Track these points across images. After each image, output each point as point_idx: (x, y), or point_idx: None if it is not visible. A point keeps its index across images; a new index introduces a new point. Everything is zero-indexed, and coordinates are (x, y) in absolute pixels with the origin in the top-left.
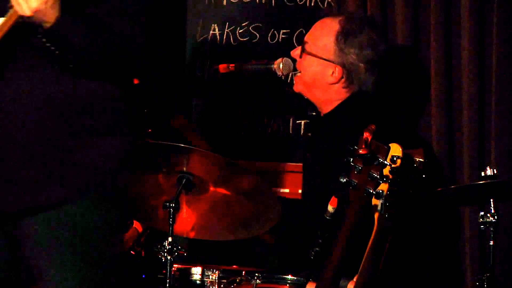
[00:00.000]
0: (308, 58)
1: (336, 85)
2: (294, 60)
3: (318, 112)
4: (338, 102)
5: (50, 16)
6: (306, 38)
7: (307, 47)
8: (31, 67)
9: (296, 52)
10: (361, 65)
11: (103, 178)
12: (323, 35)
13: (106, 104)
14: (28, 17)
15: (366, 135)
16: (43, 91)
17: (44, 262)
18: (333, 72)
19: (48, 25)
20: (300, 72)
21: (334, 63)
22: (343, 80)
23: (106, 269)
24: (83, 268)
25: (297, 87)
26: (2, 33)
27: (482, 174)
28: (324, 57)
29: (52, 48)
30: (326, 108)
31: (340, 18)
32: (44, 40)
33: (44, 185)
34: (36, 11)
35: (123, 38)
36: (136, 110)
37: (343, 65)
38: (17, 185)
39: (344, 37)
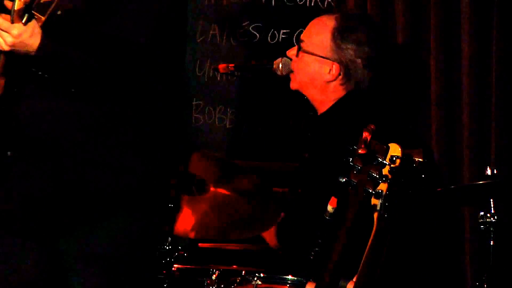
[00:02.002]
0: (305, 56)
1: (333, 82)
2: (291, 60)
3: (315, 112)
4: (334, 101)
5: (31, 45)
6: (302, 37)
7: (303, 45)
8: (44, 90)
9: (292, 52)
10: (359, 60)
11: (133, 192)
12: (319, 33)
13: (131, 119)
14: (11, 51)
15: (365, 134)
16: (62, 110)
17: (74, 271)
18: (330, 70)
19: (32, 53)
20: (295, 70)
21: (331, 60)
22: (340, 77)
23: (132, 279)
24: (108, 277)
25: (293, 85)
26: (1, 65)
27: (482, 174)
28: (321, 55)
29: (45, 75)
30: (322, 107)
31: (336, 15)
32: (33, 69)
33: (77, 201)
34: (13, 45)
35: (123, 47)
36: (170, 122)
37: (340, 62)
38: (54, 203)
39: (341, 33)
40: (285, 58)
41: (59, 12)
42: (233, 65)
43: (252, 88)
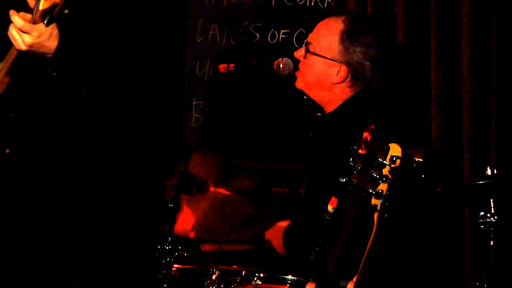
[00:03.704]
0: (312, 58)
1: (341, 84)
2: (297, 61)
3: (322, 111)
4: (341, 101)
5: (48, 47)
6: (309, 39)
7: (311, 47)
8: (43, 89)
9: (300, 53)
10: (367, 63)
11: (124, 188)
12: (328, 35)
13: (122, 117)
14: (27, 51)
15: (365, 135)
16: (59, 109)
17: (65, 268)
18: (338, 72)
19: (49, 55)
20: (301, 71)
21: (339, 63)
22: (348, 79)
23: (119, 274)
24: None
25: (299, 85)
26: (8, 66)
27: (482, 174)
28: (329, 57)
29: (59, 76)
30: (329, 107)
31: (344, 17)
32: (48, 70)
33: (69, 199)
34: (31, 46)
35: (127, 43)
36: (154, 119)
37: (348, 64)
38: (44, 199)
39: (349, 36)
40: (285, 58)
41: (66, 11)
42: (233, 65)
43: (252, 88)
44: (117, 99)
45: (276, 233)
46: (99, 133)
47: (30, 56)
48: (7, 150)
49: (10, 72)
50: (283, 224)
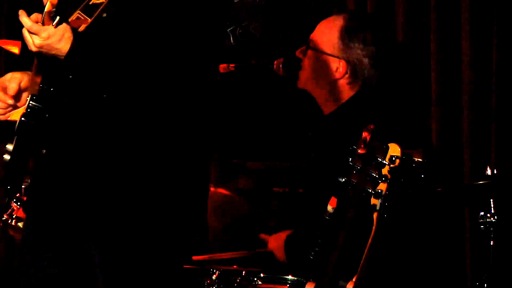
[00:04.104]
0: (313, 55)
1: (341, 80)
2: (299, 60)
3: (321, 112)
4: (342, 101)
5: (59, 49)
6: (311, 36)
7: (312, 44)
8: (73, 90)
9: (301, 51)
10: (365, 60)
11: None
12: (328, 32)
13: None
14: (39, 52)
15: (364, 134)
16: (88, 110)
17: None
18: (337, 68)
19: (60, 58)
20: (303, 69)
21: (339, 58)
22: (347, 75)
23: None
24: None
25: (301, 83)
26: (35, 65)
27: (482, 174)
28: (329, 52)
29: (74, 79)
30: (329, 107)
31: (344, 15)
32: (64, 72)
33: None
34: (41, 47)
35: (161, 53)
36: (196, 127)
37: (347, 60)
38: (83, 203)
39: (348, 32)
40: (286, 58)
41: (104, 15)
42: (233, 65)
43: (252, 88)
44: (147, 103)
45: (278, 243)
46: (127, 135)
47: (46, 57)
48: (44, 150)
49: (38, 72)
50: (285, 234)
